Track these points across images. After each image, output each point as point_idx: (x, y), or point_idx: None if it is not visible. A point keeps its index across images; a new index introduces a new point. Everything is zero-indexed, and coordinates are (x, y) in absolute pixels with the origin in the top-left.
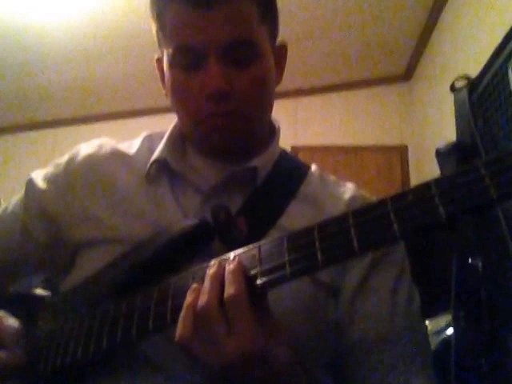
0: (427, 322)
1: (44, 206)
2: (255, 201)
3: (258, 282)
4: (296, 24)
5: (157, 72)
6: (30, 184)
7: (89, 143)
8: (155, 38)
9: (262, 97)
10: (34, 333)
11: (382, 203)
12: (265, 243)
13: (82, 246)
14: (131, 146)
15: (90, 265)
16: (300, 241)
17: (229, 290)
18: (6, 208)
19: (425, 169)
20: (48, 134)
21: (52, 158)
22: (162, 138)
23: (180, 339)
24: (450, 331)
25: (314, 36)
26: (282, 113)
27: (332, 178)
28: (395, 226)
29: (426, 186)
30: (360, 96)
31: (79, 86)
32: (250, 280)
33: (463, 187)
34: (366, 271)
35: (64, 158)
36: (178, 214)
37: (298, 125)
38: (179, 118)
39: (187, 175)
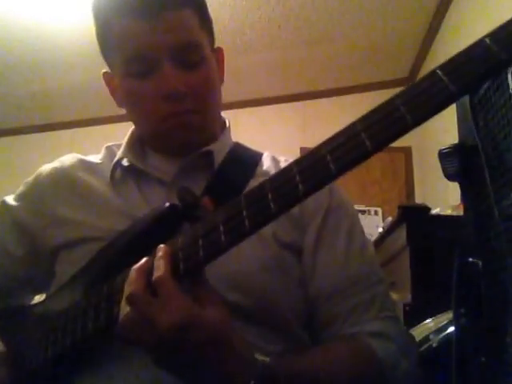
0: (429, 320)
1: (16, 220)
2: (216, 181)
3: (182, 266)
4: (303, 30)
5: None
6: (2, 204)
7: (53, 162)
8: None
9: (211, 95)
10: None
11: (317, 149)
12: (200, 223)
13: (59, 248)
14: (96, 157)
15: (70, 265)
16: (231, 208)
17: (156, 273)
18: None
19: (428, 169)
20: (64, 135)
21: None
22: (120, 146)
23: (119, 328)
24: (451, 329)
25: (321, 41)
26: (291, 115)
27: (282, 158)
28: (331, 165)
29: (389, 104)
30: (365, 99)
31: (92, 87)
32: (175, 262)
33: (425, 92)
34: (319, 227)
35: (31, 177)
36: (146, 207)
37: (307, 127)
38: (138, 124)
39: (149, 172)
